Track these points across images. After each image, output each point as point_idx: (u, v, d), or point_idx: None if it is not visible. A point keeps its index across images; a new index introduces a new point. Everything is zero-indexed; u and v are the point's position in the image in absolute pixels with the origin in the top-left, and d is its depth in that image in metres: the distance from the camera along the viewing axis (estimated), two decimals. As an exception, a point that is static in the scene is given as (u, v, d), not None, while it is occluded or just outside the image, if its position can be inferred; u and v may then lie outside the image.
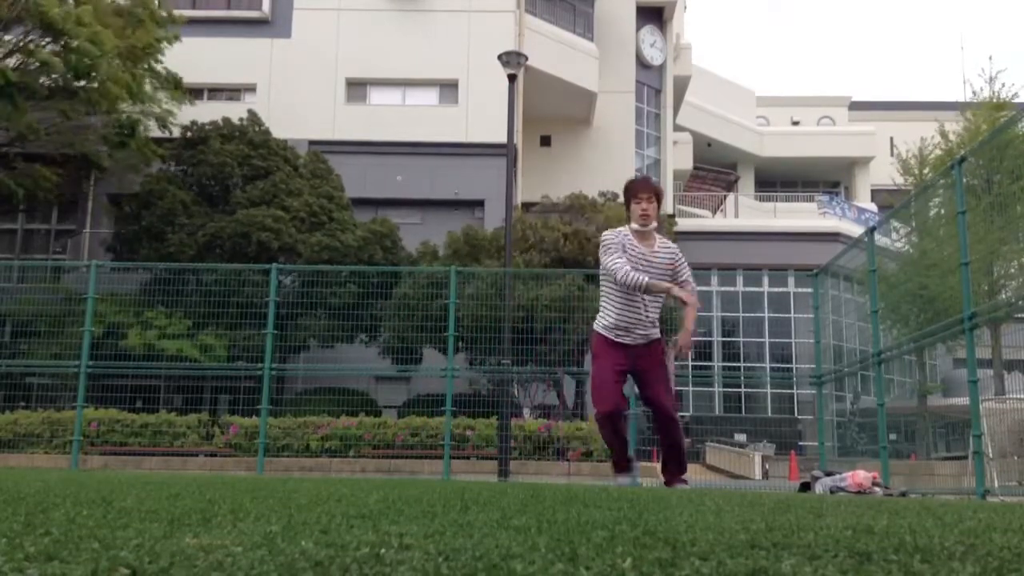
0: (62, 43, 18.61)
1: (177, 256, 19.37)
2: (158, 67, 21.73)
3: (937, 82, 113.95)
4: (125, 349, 14.98)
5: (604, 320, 5.78)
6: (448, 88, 27.08)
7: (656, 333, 5.77)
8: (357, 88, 27.21)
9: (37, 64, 19.07)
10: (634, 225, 5.78)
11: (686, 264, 5.90)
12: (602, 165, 31.93)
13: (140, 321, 16.55)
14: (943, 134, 25.36)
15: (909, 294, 14.10)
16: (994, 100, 24.70)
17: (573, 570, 1.10)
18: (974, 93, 25.89)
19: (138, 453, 14.20)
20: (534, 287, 16.31)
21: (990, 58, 49.82)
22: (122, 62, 20.14)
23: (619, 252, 5.72)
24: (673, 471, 5.84)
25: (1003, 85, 25.26)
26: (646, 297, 5.68)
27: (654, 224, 5.78)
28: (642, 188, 5.79)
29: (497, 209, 22.51)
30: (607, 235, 5.85)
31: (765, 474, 23.68)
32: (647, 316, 5.70)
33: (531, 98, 28.96)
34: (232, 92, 27.11)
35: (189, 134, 21.74)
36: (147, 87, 21.50)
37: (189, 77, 22.89)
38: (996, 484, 9.77)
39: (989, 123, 22.89)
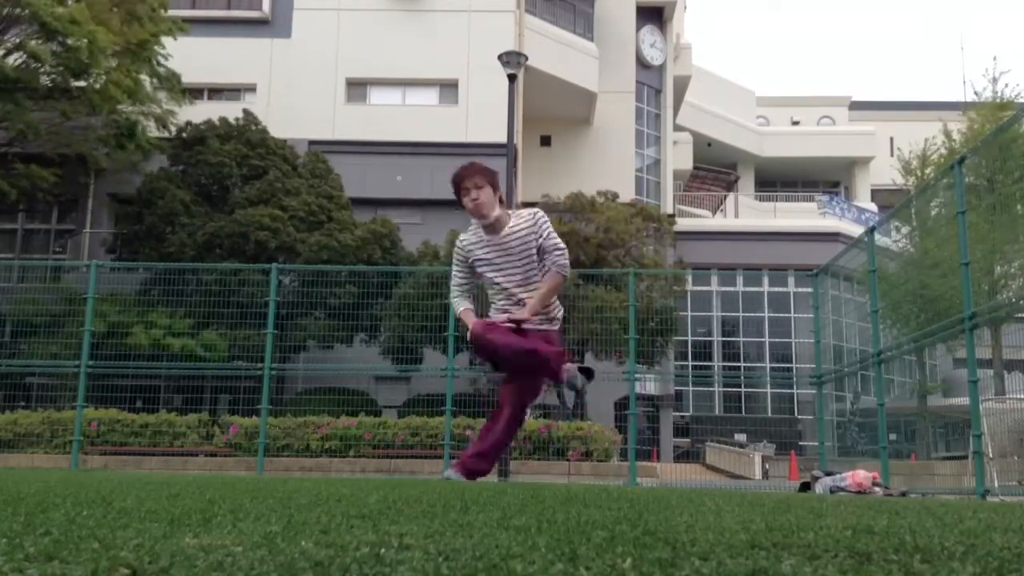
0: (58, 41, 18.61)
1: (177, 256, 19.36)
2: (159, 68, 21.71)
3: (937, 82, 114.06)
4: (129, 348, 14.98)
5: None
6: (448, 88, 27.08)
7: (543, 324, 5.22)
8: (357, 88, 27.22)
9: (33, 61, 19.06)
10: (474, 221, 5.23)
11: (549, 234, 5.15)
12: (602, 165, 31.95)
13: (143, 320, 16.55)
14: (947, 134, 25.33)
15: (910, 294, 14.10)
16: (998, 100, 24.67)
17: (573, 570, 1.10)
18: (976, 94, 25.85)
19: (138, 453, 14.19)
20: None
21: (994, 59, 49.80)
22: (120, 61, 20.12)
23: (461, 271, 5.28)
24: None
25: (1007, 85, 25.23)
26: (517, 293, 5.16)
27: (495, 211, 5.12)
28: (464, 177, 5.14)
29: (497, 209, 22.49)
30: (456, 244, 5.34)
31: (765, 474, 23.70)
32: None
33: (531, 98, 28.96)
34: (232, 92, 27.10)
35: (184, 135, 21.73)
36: (147, 87, 21.48)
37: (189, 77, 22.89)
38: (996, 484, 9.77)
39: (993, 123, 22.88)
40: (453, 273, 5.37)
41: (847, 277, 13.91)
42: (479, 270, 5.24)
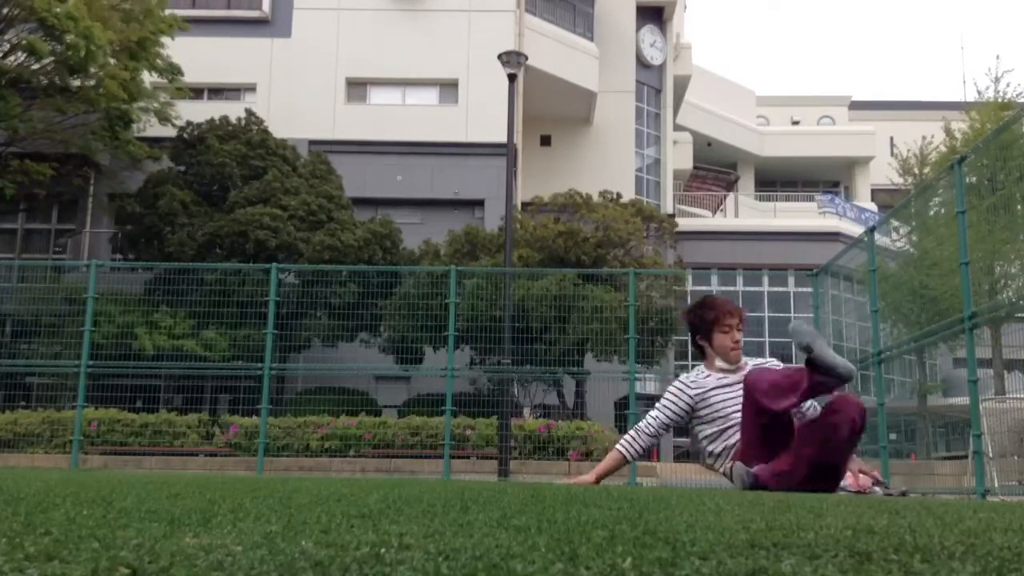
0: (56, 38, 18.61)
1: (178, 255, 19.36)
2: (158, 62, 21.65)
3: (938, 82, 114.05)
4: (135, 351, 14.99)
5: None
6: (448, 88, 27.08)
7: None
8: (357, 88, 27.21)
9: (32, 59, 19.04)
10: (720, 363, 4.68)
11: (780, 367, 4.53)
12: (602, 165, 31.94)
13: (147, 322, 16.54)
14: (948, 132, 25.27)
15: (910, 294, 14.10)
16: (999, 100, 24.64)
17: (573, 570, 1.10)
18: (979, 93, 25.79)
19: (138, 453, 14.19)
20: (525, 283, 16.37)
21: (997, 57, 49.87)
22: (119, 59, 20.10)
23: (670, 411, 4.64)
24: None
25: (1008, 84, 25.19)
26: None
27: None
28: (730, 311, 4.63)
29: (497, 209, 22.51)
30: (679, 384, 4.73)
31: (765, 474, 23.64)
32: None
33: (531, 98, 28.94)
34: (232, 92, 27.10)
35: (185, 135, 21.71)
36: (146, 82, 21.44)
37: (189, 77, 22.88)
38: (996, 484, 9.78)
39: (994, 122, 22.86)
40: (658, 411, 4.71)
41: (847, 277, 13.91)
42: (702, 412, 4.63)
